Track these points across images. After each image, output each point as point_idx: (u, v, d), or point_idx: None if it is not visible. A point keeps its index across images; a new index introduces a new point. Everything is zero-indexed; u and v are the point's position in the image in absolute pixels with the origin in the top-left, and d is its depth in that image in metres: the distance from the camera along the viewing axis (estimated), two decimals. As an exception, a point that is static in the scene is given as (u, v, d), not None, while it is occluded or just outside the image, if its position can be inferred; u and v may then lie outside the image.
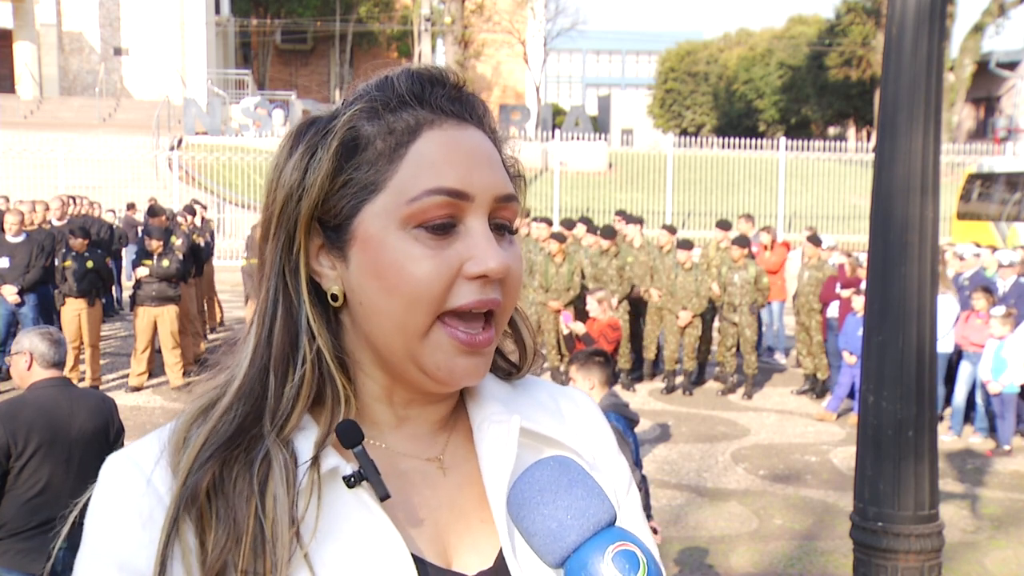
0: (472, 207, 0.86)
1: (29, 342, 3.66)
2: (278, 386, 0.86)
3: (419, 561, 0.85)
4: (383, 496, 0.84)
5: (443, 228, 0.85)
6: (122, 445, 3.79)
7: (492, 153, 0.90)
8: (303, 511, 0.82)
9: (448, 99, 0.89)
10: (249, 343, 0.89)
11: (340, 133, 0.86)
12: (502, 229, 0.89)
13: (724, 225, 11.86)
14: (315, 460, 0.84)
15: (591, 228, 11.03)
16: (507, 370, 1.02)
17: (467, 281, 0.85)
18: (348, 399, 0.89)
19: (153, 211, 11.46)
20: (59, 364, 3.70)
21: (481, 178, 0.87)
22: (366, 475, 0.84)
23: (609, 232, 10.36)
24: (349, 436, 0.84)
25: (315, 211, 0.87)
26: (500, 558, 0.89)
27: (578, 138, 28.13)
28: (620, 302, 10.10)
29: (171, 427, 0.87)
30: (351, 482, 0.84)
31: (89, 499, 0.86)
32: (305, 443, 0.86)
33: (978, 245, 12.48)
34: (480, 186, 0.86)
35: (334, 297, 0.88)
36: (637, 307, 10.58)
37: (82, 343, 9.12)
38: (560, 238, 10.31)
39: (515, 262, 0.89)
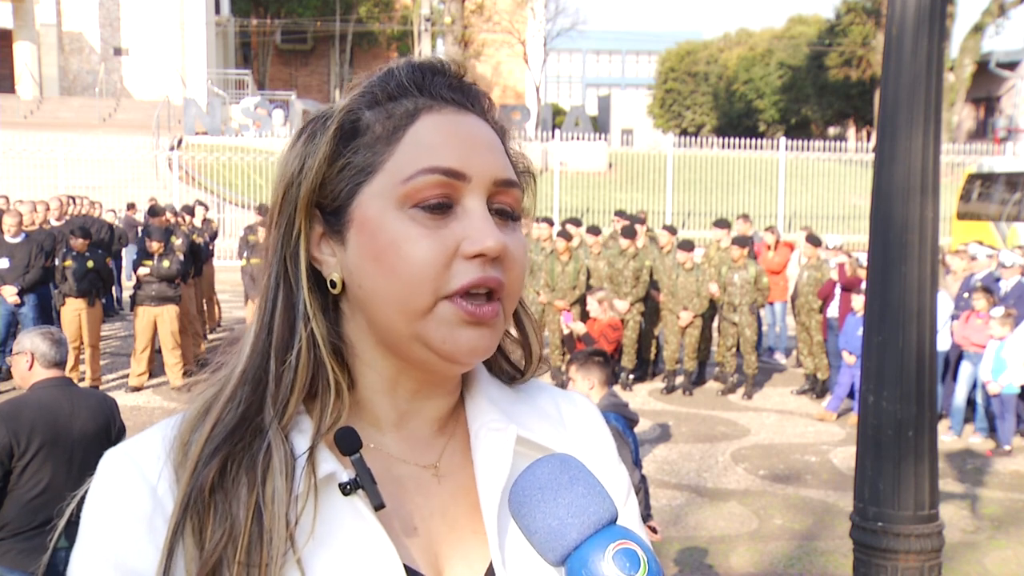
0: (469, 188, 0.86)
1: (30, 342, 3.67)
2: (278, 370, 0.86)
3: (410, 571, 0.85)
4: (378, 506, 0.83)
5: (440, 208, 0.84)
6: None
7: (493, 140, 0.90)
8: (300, 514, 0.82)
9: (448, 87, 0.90)
10: (252, 329, 0.89)
11: (338, 118, 0.87)
12: (504, 215, 0.89)
13: (722, 224, 11.83)
14: (311, 460, 0.84)
15: (594, 231, 10.95)
16: (511, 374, 1.01)
17: (466, 261, 0.84)
18: (340, 389, 0.88)
19: (154, 211, 11.46)
20: (60, 364, 3.70)
21: (480, 160, 0.86)
22: (362, 483, 0.83)
23: (629, 232, 10.23)
24: (347, 443, 0.84)
25: (314, 195, 0.87)
26: (490, 570, 0.88)
27: (578, 138, 28.14)
28: (633, 304, 10.04)
29: (175, 423, 0.87)
30: (347, 490, 0.84)
31: (86, 494, 0.85)
32: (301, 438, 0.85)
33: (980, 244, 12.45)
34: (478, 168, 0.86)
35: (332, 284, 0.88)
36: (649, 310, 10.47)
37: (82, 343, 9.12)
38: (567, 236, 10.29)
39: (515, 245, 0.88)
